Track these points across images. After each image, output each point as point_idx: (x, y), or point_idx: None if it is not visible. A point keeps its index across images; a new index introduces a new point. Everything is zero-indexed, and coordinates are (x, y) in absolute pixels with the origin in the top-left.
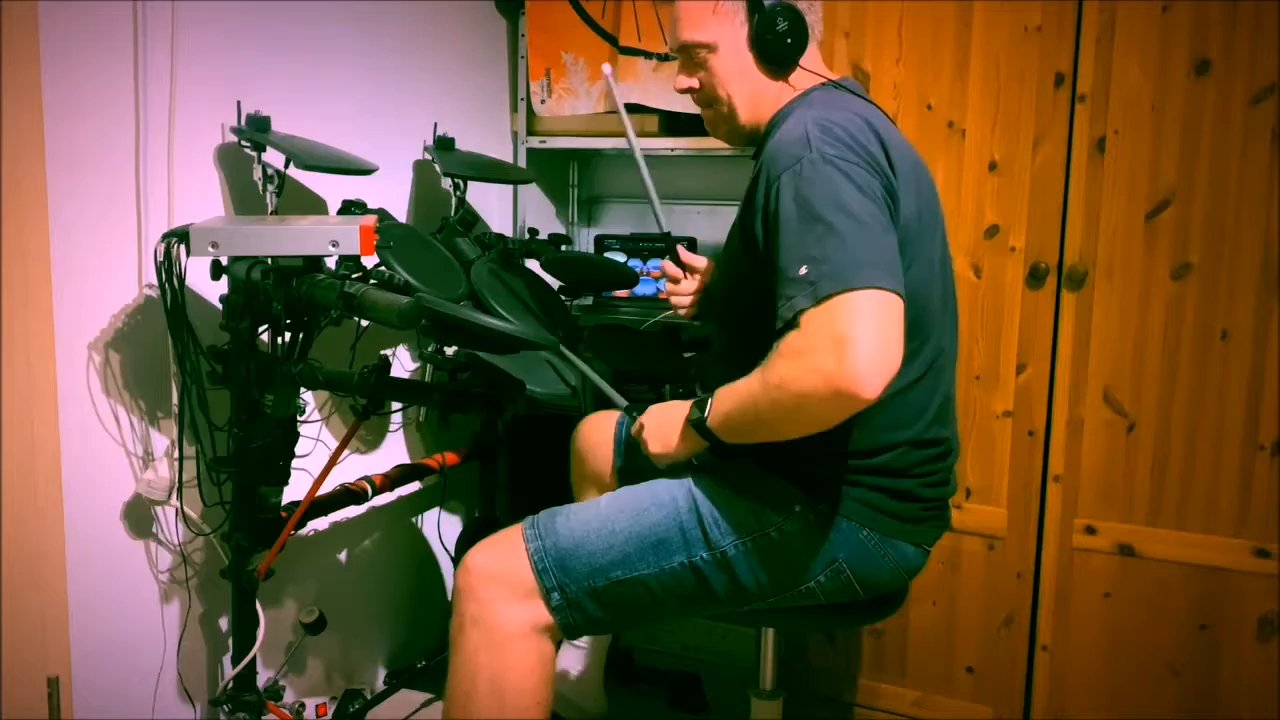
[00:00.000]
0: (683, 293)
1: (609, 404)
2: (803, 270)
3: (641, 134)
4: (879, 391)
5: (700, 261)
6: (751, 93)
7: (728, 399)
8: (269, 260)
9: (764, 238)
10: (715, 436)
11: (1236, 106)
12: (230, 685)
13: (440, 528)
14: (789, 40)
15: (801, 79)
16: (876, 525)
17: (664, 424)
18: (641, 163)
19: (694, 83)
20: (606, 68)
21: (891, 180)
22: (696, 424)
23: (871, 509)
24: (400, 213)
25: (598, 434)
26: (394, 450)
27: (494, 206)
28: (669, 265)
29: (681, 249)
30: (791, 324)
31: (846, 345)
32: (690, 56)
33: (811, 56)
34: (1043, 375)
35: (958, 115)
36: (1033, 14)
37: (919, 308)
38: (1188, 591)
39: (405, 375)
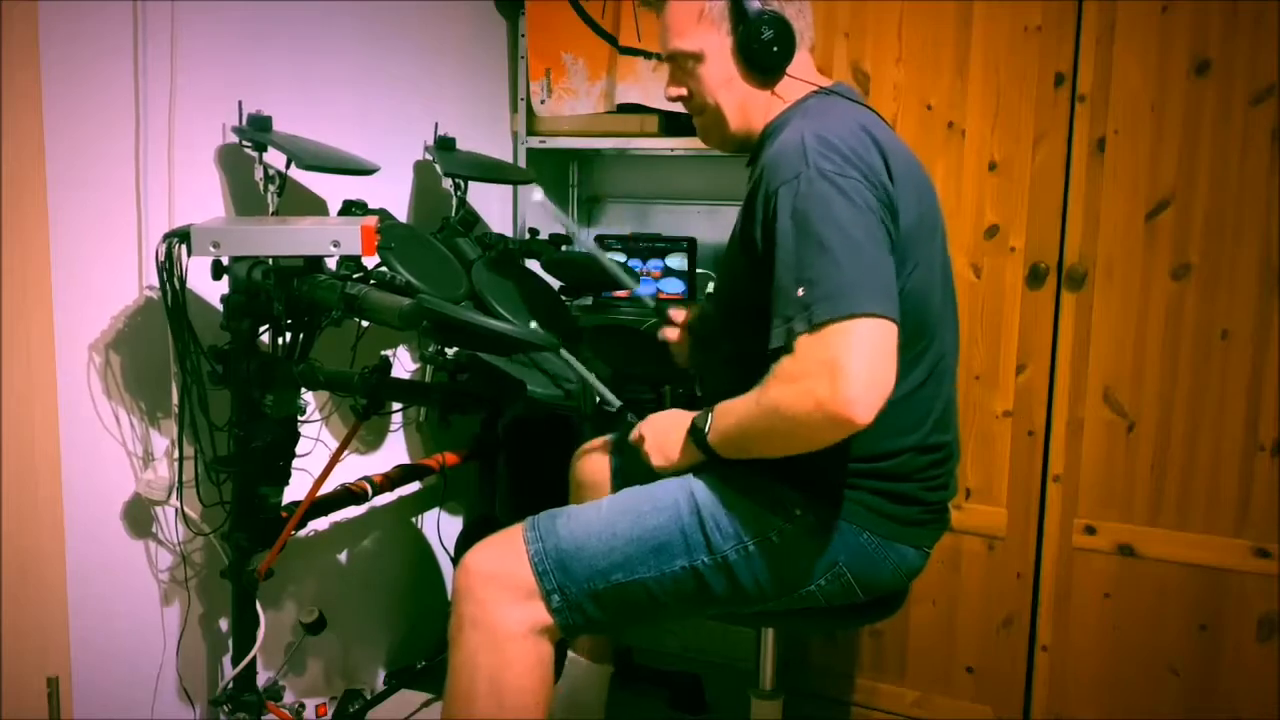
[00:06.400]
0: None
1: (608, 404)
2: (799, 292)
3: (641, 134)
4: (871, 417)
5: (681, 314)
6: (740, 101)
7: (726, 417)
8: (270, 260)
9: (763, 247)
10: (714, 451)
11: (1236, 106)
12: (230, 685)
13: (440, 528)
14: (775, 49)
15: (792, 87)
16: (877, 528)
17: (665, 434)
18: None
19: (683, 91)
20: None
21: (890, 189)
22: (697, 438)
23: (872, 512)
24: (401, 213)
25: (594, 464)
26: (394, 450)
27: (494, 206)
28: (671, 333)
29: (673, 311)
30: (786, 348)
31: (840, 373)
32: (679, 65)
33: (802, 62)
34: (1043, 375)
35: (958, 115)
36: (1033, 14)
37: (921, 311)
38: (1188, 591)
39: (405, 376)
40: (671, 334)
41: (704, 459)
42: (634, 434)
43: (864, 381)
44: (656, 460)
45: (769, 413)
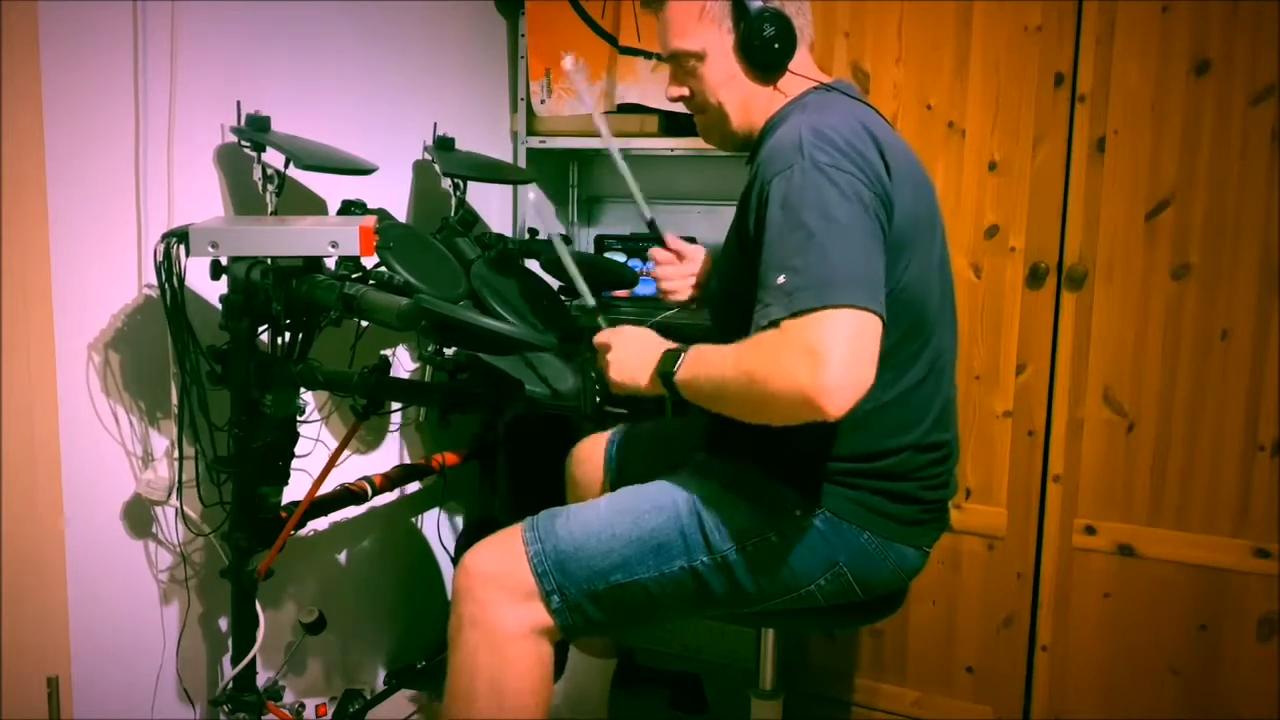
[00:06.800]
0: (675, 278)
1: (607, 404)
2: (781, 279)
3: (641, 134)
4: (845, 410)
5: (689, 248)
6: (742, 99)
7: (700, 366)
8: (269, 260)
9: (754, 241)
10: (676, 389)
11: (1236, 106)
12: (230, 685)
13: (440, 528)
14: (776, 45)
15: (793, 83)
16: (877, 528)
17: (632, 356)
18: (616, 155)
19: (684, 91)
20: (568, 60)
21: (886, 185)
22: (664, 375)
23: (872, 512)
24: (400, 213)
25: (590, 459)
26: (394, 450)
27: (494, 206)
28: (658, 251)
29: (670, 235)
30: (770, 327)
31: (820, 361)
32: (680, 65)
33: (802, 60)
34: (1043, 375)
35: (958, 115)
36: (1033, 14)
37: (918, 310)
38: (1188, 591)
39: (405, 375)
40: (665, 256)
41: (663, 393)
42: (599, 338)
43: (844, 373)
44: (614, 374)
45: (744, 379)
